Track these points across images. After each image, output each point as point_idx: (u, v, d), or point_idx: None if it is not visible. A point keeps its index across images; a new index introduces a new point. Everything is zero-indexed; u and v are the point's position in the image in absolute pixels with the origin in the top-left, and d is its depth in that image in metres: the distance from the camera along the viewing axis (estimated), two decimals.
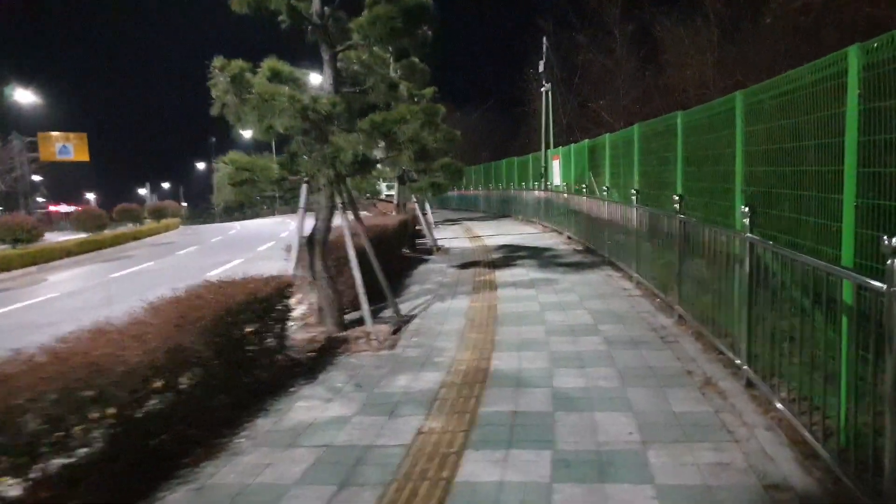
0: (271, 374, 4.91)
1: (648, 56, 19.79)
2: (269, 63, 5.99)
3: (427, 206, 21.81)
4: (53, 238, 25.51)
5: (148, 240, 29.67)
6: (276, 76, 6.13)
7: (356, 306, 7.25)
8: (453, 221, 22.30)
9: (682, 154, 6.83)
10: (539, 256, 11.13)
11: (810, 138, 3.66)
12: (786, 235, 4.00)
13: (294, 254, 7.29)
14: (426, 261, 11.49)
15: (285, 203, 64.68)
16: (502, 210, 23.31)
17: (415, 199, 13.16)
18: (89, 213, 30.05)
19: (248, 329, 4.62)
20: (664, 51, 17.66)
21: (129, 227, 32.05)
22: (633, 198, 7.88)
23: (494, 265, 10.36)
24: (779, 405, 3.56)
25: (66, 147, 38.90)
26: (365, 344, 5.86)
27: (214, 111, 5.59)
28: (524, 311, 6.73)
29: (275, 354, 5.15)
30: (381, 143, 6.39)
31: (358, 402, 4.36)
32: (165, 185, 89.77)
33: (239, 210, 68.58)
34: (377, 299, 6.91)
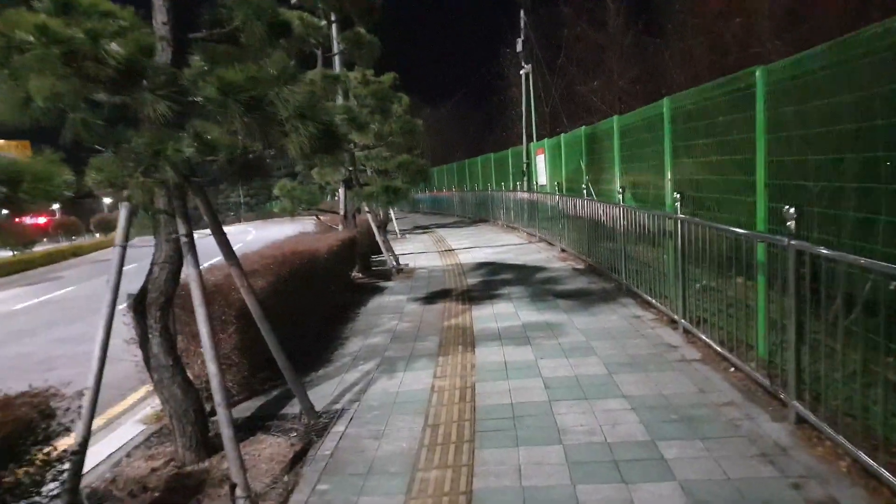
0: None
1: (650, 27, 17.15)
2: None
3: (391, 214, 19.17)
4: None
5: (93, 255, 26.88)
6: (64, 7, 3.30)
7: (247, 389, 4.51)
8: (424, 229, 19.55)
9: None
10: (529, 281, 8.42)
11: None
12: None
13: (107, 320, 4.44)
14: (381, 290, 8.71)
15: (250, 209, 61.78)
16: (479, 214, 20.62)
17: (367, 210, 10.36)
18: (10, 228, 26.62)
19: None
20: (676, 12, 14.84)
21: (73, 242, 29.20)
22: (677, 205, 5.23)
23: (471, 297, 7.64)
24: None
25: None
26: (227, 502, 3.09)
27: None
28: (521, 402, 4.02)
29: None
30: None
31: None
32: None
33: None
34: (283, 376, 4.17)
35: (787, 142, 4.08)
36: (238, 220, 58.56)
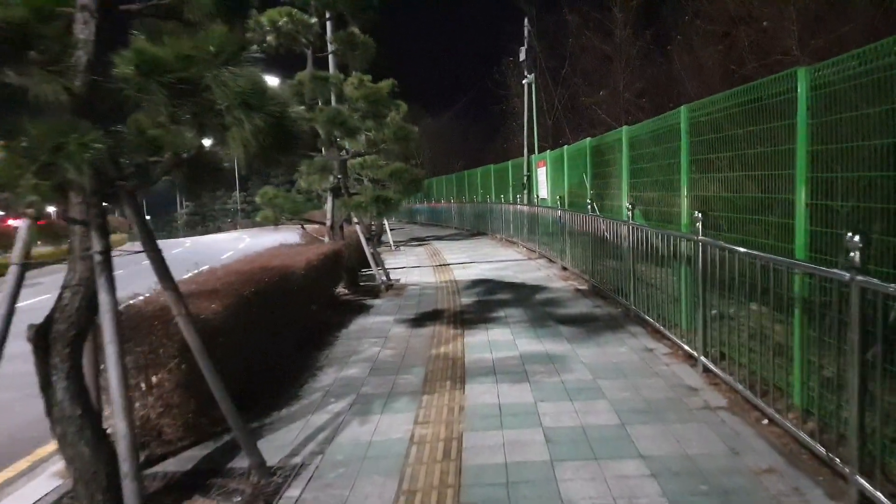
0: None
1: (658, 37, 16.40)
2: None
3: (385, 225, 18.51)
4: None
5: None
6: None
7: (194, 432, 3.83)
8: (420, 241, 18.88)
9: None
10: (528, 303, 7.74)
11: None
12: None
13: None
14: (367, 309, 8.01)
15: (246, 216, 61.15)
16: (478, 227, 19.96)
17: (355, 221, 9.68)
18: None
19: None
20: (687, 21, 14.02)
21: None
22: (698, 226, 4.56)
23: (464, 320, 6.95)
24: None
25: None
26: None
27: None
28: (517, 462, 3.32)
29: None
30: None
31: None
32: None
33: (202, 224, 65.35)
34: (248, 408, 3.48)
35: (836, 155, 3.43)
36: (234, 226, 57.97)
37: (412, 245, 17.54)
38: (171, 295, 3.14)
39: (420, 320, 7.12)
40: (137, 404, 3.70)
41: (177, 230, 63.68)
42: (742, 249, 3.90)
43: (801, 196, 3.66)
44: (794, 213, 3.72)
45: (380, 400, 4.46)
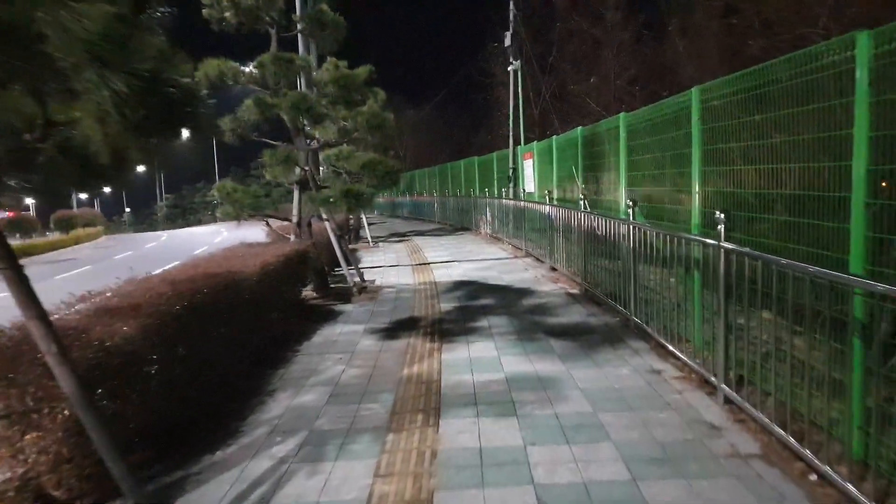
0: None
1: (652, 20, 15.54)
2: None
3: (363, 220, 17.62)
4: None
5: (49, 255, 24.65)
6: None
7: (96, 488, 3.01)
8: (401, 236, 18.03)
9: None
10: (515, 311, 6.97)
11: None
12: None
13: None
14: (336, 316, 7.19)
15: None
16: (462, 222, 19.16)
17: (325, 218, 8.81)
18: None
19: None
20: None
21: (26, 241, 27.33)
22: (720, 228, 3.80)
23: (443, 330, 6.16)
24: None
25: None
26: None
27: None
28: None
29: None
30: None
31: None
32: (107, 190, 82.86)
33: (182, 217, 63.97)
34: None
35: None
36: (215, 219, 56.79)
37: (392, 241, 16.69)
38: (38, 326, 2.32)
39: (393, 330, 6.32)
40: (15, 458, 2.87)
41: (157, 223, 62.29)
42: (783, 261, 3.15)
43: (860, 194, 2.91)
44: (848, 215, 2.97)
45: (336, 440, 3.66)
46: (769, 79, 3.69)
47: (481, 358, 5.14)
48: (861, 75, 2.91)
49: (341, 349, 5.68)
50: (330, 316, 7.19)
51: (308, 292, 8.33)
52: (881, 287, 2.54)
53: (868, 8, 8.82)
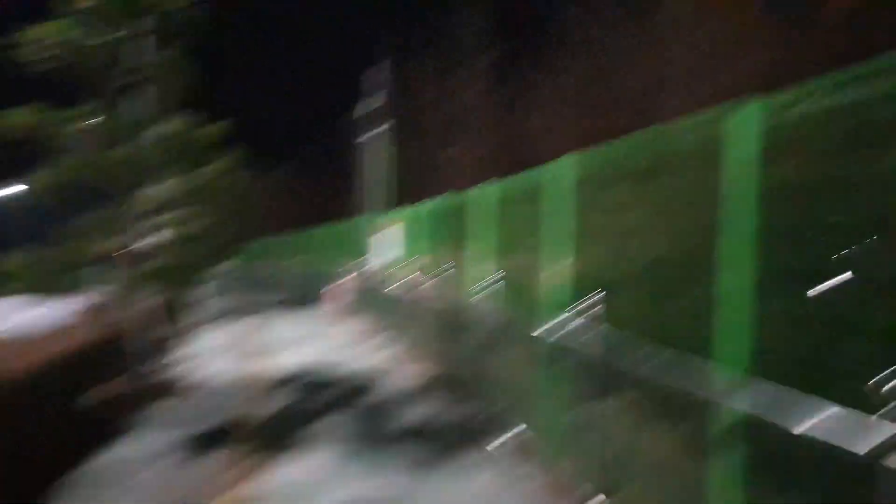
0: None
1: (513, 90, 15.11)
2: None
3: (199, 295, 15.55)
4: None
5: None
6: None
7: None
8: (241, 312, 16.12)
9: None
10: (363, 405, 5.87)
11: None
12: None
13: None
14: (132, 425, 5.54)
15: None
16: (311, 295, 17.74)
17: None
18: None
19: None
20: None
21: None
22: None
23: (270, 439, 4.87)
24: None
25: None
26: None
27: None
28: None
29: None
30: None
31: None
32: None
33: None
34: None
35: None
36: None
37: (230, 317, 14.81)
38: None
39: (202, 442, 4.90)
40: None
41: None
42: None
43: None
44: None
45: None
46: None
47: (313, 482, 3.96)
48: None
49: (116, 482, 4.16)
50: (124, 424, 5.53)
51: (114, 387, 6.53)
52: None
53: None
